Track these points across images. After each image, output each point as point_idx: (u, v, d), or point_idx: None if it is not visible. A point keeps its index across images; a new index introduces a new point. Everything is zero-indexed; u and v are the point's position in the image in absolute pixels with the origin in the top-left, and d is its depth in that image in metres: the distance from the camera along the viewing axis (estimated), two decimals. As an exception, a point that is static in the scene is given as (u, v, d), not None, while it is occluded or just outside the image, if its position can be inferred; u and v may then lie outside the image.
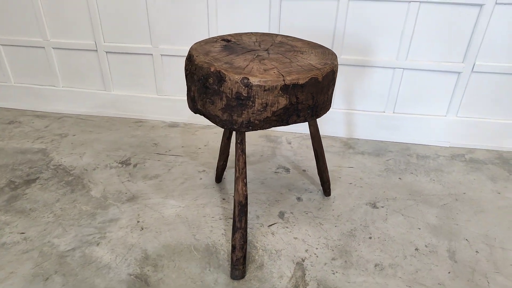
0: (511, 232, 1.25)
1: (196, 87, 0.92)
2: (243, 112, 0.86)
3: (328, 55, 1.00)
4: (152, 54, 1.75)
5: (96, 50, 1.78)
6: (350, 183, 1.47)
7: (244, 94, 0.84)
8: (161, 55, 1.74)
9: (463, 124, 1.69)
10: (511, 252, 1.17)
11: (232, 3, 1.58)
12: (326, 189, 1.37)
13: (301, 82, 0.86)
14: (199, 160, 1.59)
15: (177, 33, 1.68)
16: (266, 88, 0.83)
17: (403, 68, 1.61)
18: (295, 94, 0.87)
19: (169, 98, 1.84)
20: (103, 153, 1.63)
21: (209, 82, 0.87)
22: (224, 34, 1.13)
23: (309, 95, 0.89)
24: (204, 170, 1.53)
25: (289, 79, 0.84)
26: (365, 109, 1.74)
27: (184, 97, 1.85)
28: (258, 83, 0.83)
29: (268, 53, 0.99)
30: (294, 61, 0.93)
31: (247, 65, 0.89)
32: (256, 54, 0.97)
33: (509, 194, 1.43)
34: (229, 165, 1.58)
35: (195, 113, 0.98)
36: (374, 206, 1.35)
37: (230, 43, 1.05)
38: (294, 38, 1.15)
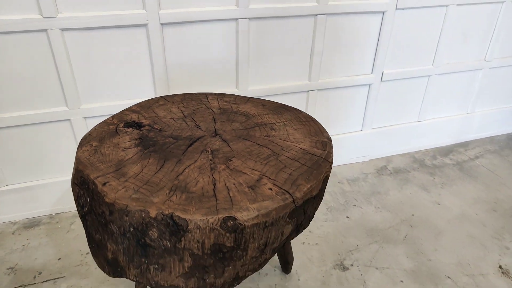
0: (474, 249, 1.18)
1: (118, 245, 0.48)
2: (227, 268, 0.48)
3: (307, 121, 0.68)
4: (-32, 132, 1.11)
5: None
6: (303, 243, 1.20)
7: (228, 244, 0.45)
8: (-14, 130, 1.12)
9: (378, 134, 1.60)
10: (490, 276, 1.09)
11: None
12: (286, 267, 1.07)
13: (315, 192, 0.52)
14: (95, 275, 1.07)
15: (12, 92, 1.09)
16: (267, 224, 0.47)
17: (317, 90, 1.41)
18: (303, 212, 0.52)
19: (16, 188, 1.22)
20: None
21: (149, 237, 0.45)
22: (115, 112, 0.68)
23: (318, 201, 0.56)
24: (109, 293, 1.03)
25: (300, 196, 0.49)
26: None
27: (41, 181, 1.25)
28: (255, 221, 0.45)
29: (224, 140, 0.60)
30: (277, 150, 0.58)
31: (212, 181, 0.50)
32: (209, 149, 0.57)
33: (445, 202, 1.39)
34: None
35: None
36: (342, 266, 1.11)
37: (145, 131, 0.62)
38: (234, 96, 0.78)
